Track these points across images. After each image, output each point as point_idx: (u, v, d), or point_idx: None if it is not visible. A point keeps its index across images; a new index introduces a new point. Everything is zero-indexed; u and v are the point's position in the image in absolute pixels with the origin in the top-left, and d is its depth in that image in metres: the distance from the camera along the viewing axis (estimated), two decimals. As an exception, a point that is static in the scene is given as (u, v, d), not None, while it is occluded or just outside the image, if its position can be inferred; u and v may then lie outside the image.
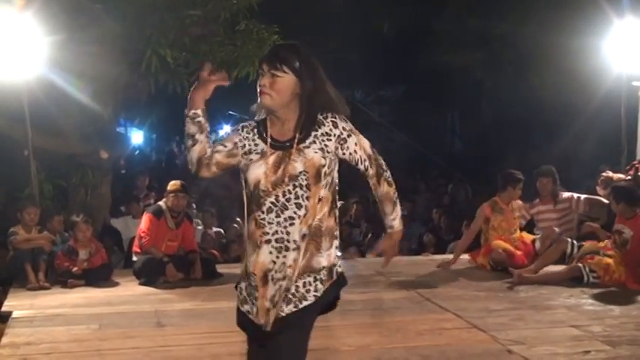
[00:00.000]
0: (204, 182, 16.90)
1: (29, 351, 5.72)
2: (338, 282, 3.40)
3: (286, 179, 3.23)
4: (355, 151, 3.37)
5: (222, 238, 11.57)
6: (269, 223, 3.25)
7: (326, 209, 3.30)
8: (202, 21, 9.30)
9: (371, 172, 3.45)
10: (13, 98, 8.72)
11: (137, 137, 27.88)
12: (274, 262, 3.26)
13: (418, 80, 18.61)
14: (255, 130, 3.39)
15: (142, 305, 7.26)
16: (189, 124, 3.35)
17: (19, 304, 7.16)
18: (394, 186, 3.54)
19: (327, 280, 3.32)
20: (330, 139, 3.31)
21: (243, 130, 3.41)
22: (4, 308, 7.07)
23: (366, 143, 3.43)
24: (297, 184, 3.23)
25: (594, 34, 9.70)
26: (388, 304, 7.29)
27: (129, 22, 8.98)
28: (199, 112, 3.34)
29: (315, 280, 3.28)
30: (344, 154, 3.35)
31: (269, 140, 3.32)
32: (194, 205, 12.12)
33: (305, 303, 3.26)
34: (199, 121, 3.34)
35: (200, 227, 10.94)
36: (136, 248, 8.48)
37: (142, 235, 8.37)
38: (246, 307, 3.37)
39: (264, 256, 3.26)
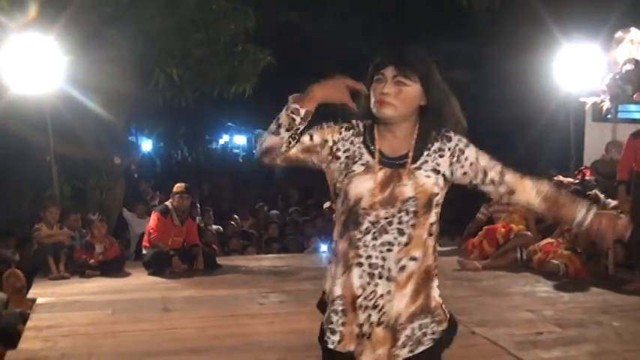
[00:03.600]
0: (207, 186, 16.95)
1: (51, 333, 5.69)
2: (452, 323, 2.64)
3: (393, 202, 2.46)
4: (477, 159, 2.55)
5: (221, 235, 11.60)
6: (364, 245, 2.48)
7: (434, 243, 2.54)
8: (204, 43, 9.32)
9: (509, 176, 2.56)
10: (36, 110, 8.72)
11: (147, 145, 27.81)
12: (363, 289, 2.50)
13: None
14: (361, 137, 2.56)
15: (150, 293, 7.25)
16: (284, 113, 2.49)
17: (42, 292, 7.13)
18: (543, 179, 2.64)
19: (443, 321, 2.58)
20: (443, 155, 2.52)
21: (347, 131, 2.58)
22: (29, 295, 7.05)
23: (488, 156, 2.59)
24: (403, 209, 2.46)
25: (546, 55, 9.75)
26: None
27: (140, 44, 8.98)
28: (302, 110, 2.47)
29: (432, 321, 2.54)
30: (462, 166, 2.53)
31: (377, 154, 2.51)
32: (198, 205, 12.12)
33: (421, 348, 2.52)
34: (293, 119, 2.48)
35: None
36: (145, 243, 8.51)
37: (151, 231, 8.40)
38: (327, 334, 2.59)
39: (354, 280, 2.50)
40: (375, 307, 2.49)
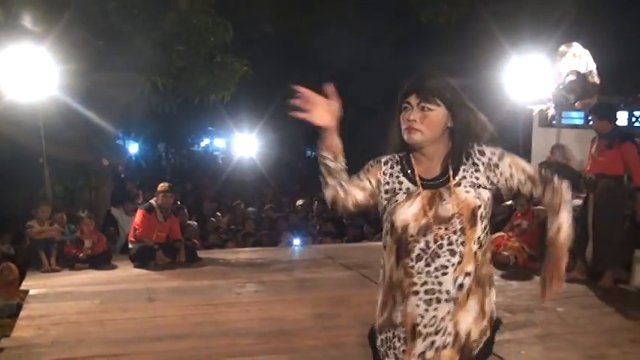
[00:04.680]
0: (189, 185, 16.87)
1: (42, 322, 5.63)
2: (496, 326, 2.49)
3: (438, 222, 2.33)
4: (512, 175, 2.41)
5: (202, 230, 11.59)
6: (418, 272, 2.34)
7: (484, 253, 2.40)
8: (187, 55, 9.28)
9: (541, 189, 2.44)
10: (30, 116, 8.64)
11: (133, 148, 27.54)
12: (422, 317, 2.35)
13: (365, 108, 18.55)
14: (399, 167, 2.46)
15: (136, 284, 7.21)
16: (320, 163, 2.44)
17: (34, 284, 7.06)
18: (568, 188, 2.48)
19: (488, 328, 2.44)
20: (479, 170, 2.39)
21: (385, 165, 2.47)
22: (22, 287, 6.97)
23: (522, 162, 2.46)
24: (450, 228, 2.32)
25: (498, 67, 9.84)
26: (335, 281, 7.32)
27: (127, 56, 8.93)
28: (328, 154, 2.42)
29: (482, 331, 2.42)
30: (499, 181, 2.41)
31: (417, 179, 2.41)
32: (179, 202, 12.05)
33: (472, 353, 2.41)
34: (327, 165, 2.43)
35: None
36: (131, 238, 8.48)
37: (136, 227, 8.39)
38: (390, 357, 2.44)
39: (411, 308, 2.36)
40: (437, 332, 2.35)
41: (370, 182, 2.46)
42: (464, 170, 2.39)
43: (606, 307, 6.11)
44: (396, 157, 2.48)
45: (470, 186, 2.36)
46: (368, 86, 14.98)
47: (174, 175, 20.09)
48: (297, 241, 11.17)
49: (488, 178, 2.39)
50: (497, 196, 2.54)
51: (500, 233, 8.08)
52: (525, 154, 10.14)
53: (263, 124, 19.10)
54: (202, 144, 34.02)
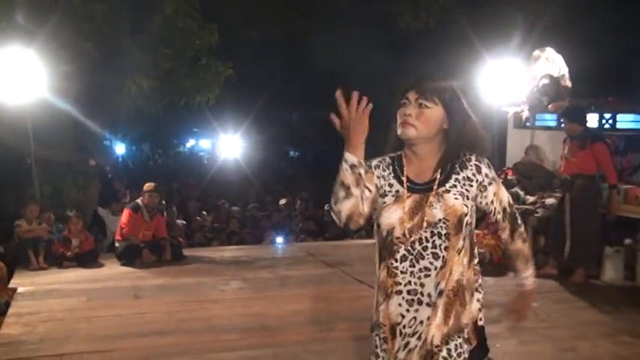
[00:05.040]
0: (174, 185, 16.79)
1: (30, 319, 5.58)
2: (482, 346, 2.43)
3: (424, 226, 2.29)
4: (492, 201, 2.42)
5: (187, 229, 11.53)
6: (402, 272, 2.30)
7: (466, 261, 2.35)
8: (172, 57, 9.23)
9: (503, 225, 2.49)
10: (18, 118, 8.55)
11: (120, 148, 27.34)
12: (403, 316, 2.32)
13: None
14: (391, 168, 2.40)
15: (122, 281, 7.17)
16: (346, 172, 2.24)
17: (22, 282, 7.00)
18: (528, 242, 2.58)
19: (472, 338, 2.38)
20: (472, 185, 2.36)
21: (377, 169, 2.40)
22: (10, 285, 6.90)
23: (504, 194, 2.47)
24: (435, 232, 2.29)
25: (473, 71, 9.89)
26: (317, 278, 7.32)
27: (114, 58, 8.87)
28: (358, 160, 2.24)
29: (464, 340, 2.34)
30: (481, 202, 2.41)
31: (405, 182, 2.36)
32: (164, 202, 12.00)
33: None
34: (359, 173, 2.25)
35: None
36: (117, 236, 8.44)
37: (123, 226, 8.35)
38: (372, 357, 2.44)
39: (393, 308, 2.33)
40: (414, 334, 2.31)
41: (370, 190, 2.36)
42: (456, 180, 2.34)
43: (578, 301, 6.18)
44: (387, 159, 2.42)
45: (459, 195, 2.32)
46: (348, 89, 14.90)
47: (160, 175, 19.99)
48: (280, 239, 11.18)
49: (476, 195, 2.38)
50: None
51: (477, 231, 8.10)
52: (500, 154, 10.21)
53: (247, 125, 19.06)
54: (188, 145, 33.87)
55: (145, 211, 8.38)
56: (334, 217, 2.33)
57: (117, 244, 8.38)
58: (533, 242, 7.82)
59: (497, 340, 4.91)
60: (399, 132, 2.33)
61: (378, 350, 2.39)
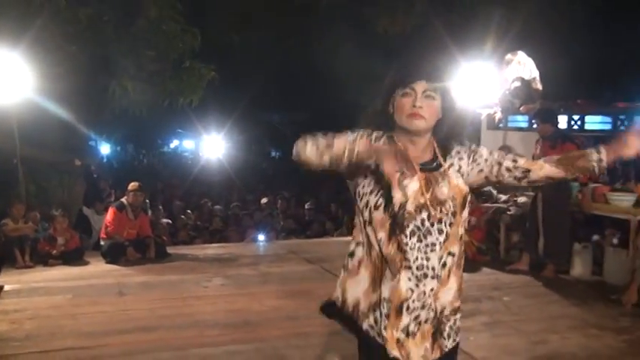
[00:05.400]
0: (158, 185, 16.71)
1: (17, 316, 5.53)
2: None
3: (434, 204, 2.28)
4: (490, 152, 2.41)
5: (171, 227, 11.49)
6: (411, 248, 2.27)
7: (462, 236, 2.37)
8: (156, 60, 9.18)
9: (521, 161, 2.39)
10: (4, 118, 8.46)
11: (105, 149, 27.14)
12: (412, 291, 2.29)
13: (317, 109, 18.54)
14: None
15: (107, 279, 7.12)
16: (354, 148, 2.20)
17: (9, 280, 6.92)
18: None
19: (459, 307, 2.45)
20: (462, 158, 2.38)
21: (377, 142, 2.31)
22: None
23: (500, 151, 2.47)
24: (443, 209, 2.29)
25: (449, 74, 9.93)
26: (298, 275, 7.32)
27: (98, 60, 8.81)
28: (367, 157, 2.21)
29: (460, 314, 2.44)
30: (478, 164, 2.38)
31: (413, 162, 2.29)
32: (147, 201, 11.95)
33: (457, 338, 2.44)
34: (361, 160, 2.21)
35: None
36: (102, 235, 8.37)
37: (108, 224, 8.28)
38: (372, 333, 2.36)
39: (403, 283, 2.28)
40: (423, 307, 2.31)
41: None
42: (451, 164, 2.35)
43: (548, 296, 6.25)
44: (384, 137, 2.34)
45: (457, 172, 2.35)
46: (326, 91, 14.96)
47: (145, 175, 19.88)
48: (261, 237, 11.17)
49: (468, 164, 2.37)
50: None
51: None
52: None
53: (230, 126, 19.02)
54: (172, 145, 33.72)
55: (130, 209, 8.34)
56: (298, 157, 2.27)
57: (102, 243, 8.31)
58: (506, 239, 7.90)
59: (471, 333, 4.96)
60: (405, 123, 2.29)
61: (380, 328, 2.33)
